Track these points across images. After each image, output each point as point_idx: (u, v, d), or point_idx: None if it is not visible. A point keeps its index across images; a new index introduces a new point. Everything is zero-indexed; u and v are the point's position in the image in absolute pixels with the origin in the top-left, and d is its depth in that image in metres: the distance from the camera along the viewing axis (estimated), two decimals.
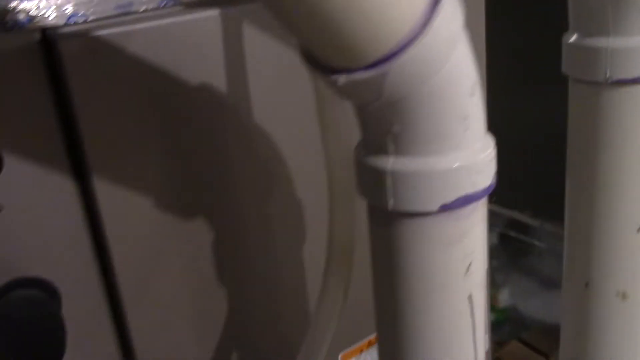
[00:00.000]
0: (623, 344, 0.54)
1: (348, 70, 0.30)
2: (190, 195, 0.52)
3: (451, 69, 0.32)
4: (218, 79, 0.50)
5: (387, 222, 0.38)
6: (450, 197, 0.36)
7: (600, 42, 0.46)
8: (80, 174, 0.46)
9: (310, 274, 0.61)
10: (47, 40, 0.43)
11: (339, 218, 0.43)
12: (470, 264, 0.38)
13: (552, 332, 1.20)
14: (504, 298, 1.54)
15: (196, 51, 0.49)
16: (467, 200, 0.36)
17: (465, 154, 0.35)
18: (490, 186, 0.37)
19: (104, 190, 0.47)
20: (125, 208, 0.49)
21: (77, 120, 0.44)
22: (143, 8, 0.49)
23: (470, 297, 0.39)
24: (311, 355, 0.44)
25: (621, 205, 0.50)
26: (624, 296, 0.52)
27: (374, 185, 0.37)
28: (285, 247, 0.58)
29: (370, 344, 0.70)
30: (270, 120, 0.54)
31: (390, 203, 0.36)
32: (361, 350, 0.69)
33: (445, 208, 0.36)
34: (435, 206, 0.36)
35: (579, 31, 0.48)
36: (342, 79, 0.31)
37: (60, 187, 0.46)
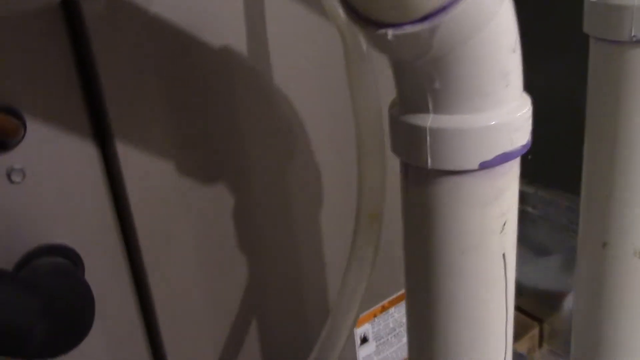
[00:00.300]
0: (638, 302, 0.54)
1: (397, 24, 0.30)
2: (210, 159, 0.51)
3: (498, 23, 0.31)
4: (238, 40, 0.49)
5: (423, 181, 0.38)
6: (489, 155, 0.35)
7: (626, 0, 0.46)
8: (102, 138, 0.46)
9: (327, 238, 0.61)
10: (69, 1, 0.41)
11: (368, 175, 0.43)
12: (505, 223, 0.39)
13: (545, 298, 1.21)
14: None
15: (217, 11, 0.48)
16: (505, 157, 0.36)
17: (505, 110, 0.35)
18: (527, 144, 0.37)
19: (126, 155, 0.46)
20: (146, 172, 0.48)
21: (99, 83, 0.44)
22: None
23: (504, 256, 0.40)
24: (342, 319, 0.44)
25: None
26: None
27: (411, 143, 0.36)
28: (304, 210, 0.58)
29: (383, 309, 0.70)
30: (290, 82, 0.53)
31: (429, 162, 0.36)
32: (374, 316, 0.70)
33: (485, 166, 0.36)
34: (474, 164, 0.35)
35: None
36: (391, 32, 0.30)
37: (82, 152, 0.45)
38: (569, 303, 1.02)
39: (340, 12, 0.42)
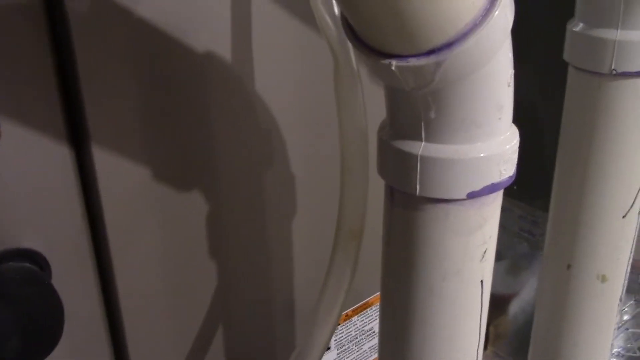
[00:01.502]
0: (599, 323, 0.56)
1: (402, 56, 0.30)
2: (187, 164, 0.50)
3: (499, 60, 0.32)
4: (222, 46, 0.48)
5: (409, 206, 0.38)
6: (478, 186, 0.36)
7: (609, 33, 0.47)
8: (78, 141, 0.44)
9: (299, 250, 0.61)
10: None
11: (350, 191, 0.43)
12: (485, 251, 0.39)
13: (492, 302, 1.23)
14: None
15: (203, 16, 0.47)
16: (492, 188, 0.36)
17: (496, 142, 0.35)
18: (513, 175, 0.38)
19: (101, 158, 0.45)
20: (121, 176, 0.47)
21: (78, 85, 0.42)
22: None
23: (482, 282, 0.40)
24: (319, 332, 0.44)
25: (610, 193, 0.51)
26: (603, 279, 0.54)
27: (400, 169, 0.36)
28: (277, 220, 0.58)
29: (347, 317, 0.71)
30: (272, 91, 0.53)
31: (417, 189, 0.36)
32: (338, 324, 0.70)
33: (472, 196, 0.36)
34: (463, 194, 0.36)
35: (585, 21, 0.49)
36: (395, 63, 0.30)
37: (56, 155, 0.43)
38: (514, 307, 1.04)
39: (333, 28, 0.41)
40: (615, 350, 1.02)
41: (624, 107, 0.49)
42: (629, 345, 1.03)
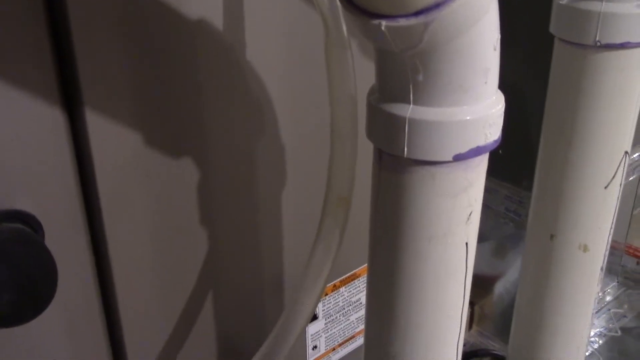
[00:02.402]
0: (580, 292, 0.58)
1: (391, 16, 0.30)
2: (178, 131, 0.51)
3: (486, 21, 0.32)
4: (214, 14, 0.49)
5: (397, 169, 0.38)
6: (464, 148, 0.37)
7: (593, 5, 0.48)
8: (71, 104, 0.44)
9: (290, 220, 0.62)
10: None
11: (340, 159, 0.43)
12: (471, 213, 0.40)
13: (478, 283, 1.25)
14: None
15: None
16: (478, 151, 0.37)
17: (482, 106, 0.36)
18: (498, 139, 0.38)
19: (94, 122, 0.45)
20: (113, 141, 0.47)
21: (72, 48, 0.42)
22: None
23: (467, 245, 0.41)
24: (305, 297, 0.45)
25: (593, 163, 0.53)
26: (585, 248, 0.56)
27: (389, 132, 0.37)
28: (268, 189, 0.59)
29: (335, 288, 0.72)
30: (263, 60, 0.53)
31: (405, 151, 0.37)
32: (326, 294, 0.71)
33: (458, 158, 0.37)
34: (449, 156, 0.37)
35: None
36: (384, 24, 0.31)
37: (48, 117, 0.44)
38: (499, 287, 1.06)
39: None
40: (598, 330, 1.04)
41: (608, 78, 0.50)
42: (610, 326, 1.05)
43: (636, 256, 1.14)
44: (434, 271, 0.41)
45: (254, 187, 0.58)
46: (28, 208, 0.45)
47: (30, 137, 0.44)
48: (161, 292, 0.56)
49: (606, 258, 0.58)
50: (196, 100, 0.51)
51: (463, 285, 0.43)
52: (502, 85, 0.38)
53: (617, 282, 1.16)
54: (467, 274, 0.43)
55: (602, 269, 0.58)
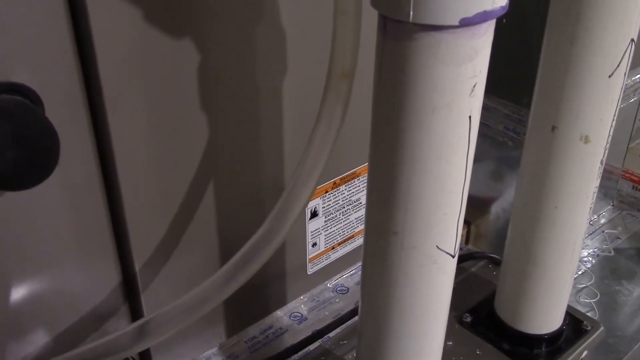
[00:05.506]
0: (580, 185, 0.58)
1: None
2: (178, 13, 0.50)
3: None
4: None
5: (402, 36, 0.38)
6: (471, 12, 0.36)
7: None
8: None
9: (291, 105, 0.61)
10: None
11: (343, 32, 0.43)
12: (475, 85, 0.40)
13: (474, 203, 1.27)
14: None
15: None
16: (484, 16, 0.37)
17: None
18: (505, 6, 0.38)
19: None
20: (113, 17, 0.46)
21: None
22: None
23: (470, 118, 0.41)
24: (305, 180, 0.45)
25: (598, 51, 0.52)
26: (586, 139, 0.56)
27: None
28: (269, 74, 0.58)
29: (335, 185, 0.72)
30: None
31: (411, 15, 0.36)
32: (326, 191, 0.72)
33: (465, 23, 0.36)
34: (455, 20, 0.36)
35: None
36: None
37: None
38: (495, 207, 1.07)
39: None
40: (592, 250, 1.06)
41: None
42: (604, 246, 1.07)
43: (632, 180, 1.14)
44: (437, 143, 0.41)
45: (255, 70, 0.57)
46: (27, 81, 0.45)
47: (29, 13, 0.43)
48: (162, 170, 0.56)
49: (606, 152, 0.58)
50: None
51: (465, 160, 0.43)
52: None
53: (612, 205, 1.17)
54: (470, 148, 0.43)
55: (602, 162, 0.58)
